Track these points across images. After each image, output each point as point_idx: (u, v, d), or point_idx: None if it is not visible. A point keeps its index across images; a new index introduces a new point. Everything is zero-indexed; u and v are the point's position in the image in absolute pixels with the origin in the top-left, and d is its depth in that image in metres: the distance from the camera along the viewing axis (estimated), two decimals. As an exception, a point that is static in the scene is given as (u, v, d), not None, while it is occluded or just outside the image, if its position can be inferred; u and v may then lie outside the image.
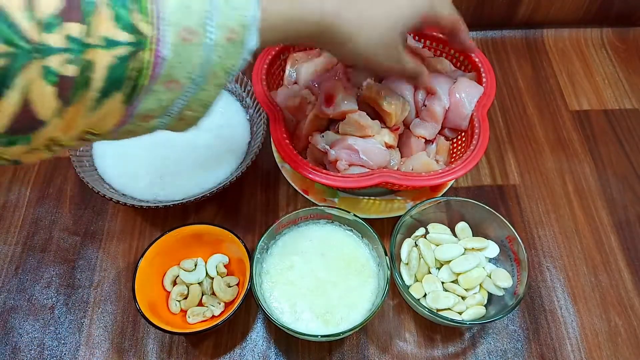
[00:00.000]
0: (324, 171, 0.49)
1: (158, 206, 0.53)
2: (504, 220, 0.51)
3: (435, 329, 0.53)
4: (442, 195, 0.58)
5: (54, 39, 0.24)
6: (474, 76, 0.56)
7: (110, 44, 0.25)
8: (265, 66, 0.56)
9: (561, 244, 0.58)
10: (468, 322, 0.47)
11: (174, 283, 0.53)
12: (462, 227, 0.54)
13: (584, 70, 0.74)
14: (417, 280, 0.52)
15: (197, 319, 0.50)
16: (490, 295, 0.51)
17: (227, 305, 0.51)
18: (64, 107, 0.25)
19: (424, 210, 0.53)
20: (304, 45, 0.52)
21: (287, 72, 0.59)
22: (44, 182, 0.62)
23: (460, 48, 0.52)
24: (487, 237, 0.53)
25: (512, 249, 0.50)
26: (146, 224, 0.59)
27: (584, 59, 0.76)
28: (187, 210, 0.60)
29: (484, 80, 0.55)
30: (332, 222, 0.52)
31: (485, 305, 0.50)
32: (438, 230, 0.54)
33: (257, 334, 0.52)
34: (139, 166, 0.58)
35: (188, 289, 0.52)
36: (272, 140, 0.55)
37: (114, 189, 0.57)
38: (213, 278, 0.52)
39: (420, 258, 0.52)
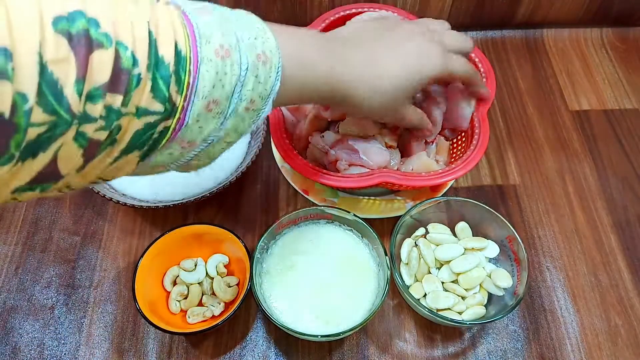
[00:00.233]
0: (324, 171, 0.49)
1: (158, 206, 0.53)
2: (504, 220, 0.51)
3: (435, 329, 0.53)
4: (442, 195, 0.58)
5: (94, 109, 0.24)
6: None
7: (143, 112, 0.26)
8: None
9: (561, 243, 0.58)
10: (468, 322, 0.47)
11: (174, 283, 0.53)
12: (462, 227, 0.54)
13: (584, 70, 0.74)
14: (417, 280, 0.52)
15: (197, 319, 0.50)
16: (490, 295, 0.51)
17: (227, 305, 0.51)
18: (86, 164, 0.26)
19: (424, 210, 0.53)
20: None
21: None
22: (44, 182, 0.62)
23: (476, 96, 0.53)
24: (487, 237, 0.53)
25: (512, 249, 0.50)
26: (146, 224, 0.59)
27: (584, 59, 0.76)
28: (187, 210, 0.60)
29: (483, 80, 0.55)
30: (332, 222, 0.52)
31: (485, 305, 0.50)
32: (438, 230, 0.54)
33: (257, 334, 0.52)
34: (139, 166, 0.58)
35: (188, 289, 0.52)
36: (272, 140, 0.55)
37: (114, 188, 0.57)
38: (213, 278, 0.52)
39: (420, 258, 0.52)
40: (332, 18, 0.60)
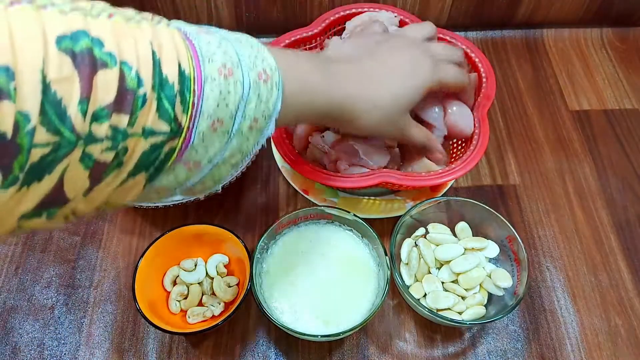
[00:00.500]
0: (324, 171, 0.49)
1: (158, 206, 0.53)
2: (504, 220, 0.51)
3: (435, 329, 0.53)
4: (442, 195, 0.58)
5: (100, 130, 0.24)
6: (474, 77, 0.56)
7: (150, 133, 0.26)
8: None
9: (561, 243, 0.58)
10: (468, 322, 0.47)
11: (174, 283, 0.53)
12: (462, 227, 0.54)
13: (584, 70, 0.74)
14: (417, 280, 0.52)
15: (197, 319, 0.50)
16: (490, 295, 0.51)
17: (227, 305, 0.51)
18: (92, 187, 0.26)
19: (424, 210, 0.53)
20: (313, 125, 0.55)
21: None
22: (44, 182, 0.62)
23: (468, 104, 0.54)
24: (487, 237, 0.53)
25: (512, 249, 0.50)
26: (146, 224, 0.59)
27: (583, 59, 0.76)
28: (187, 210, 0.60)
29: (484, 80, 0.55)
30: (332, 222, 0.52)
31: (485, 305, 0.50)
32: (438, 230, 0.54)
33: (257, 334, 0.52)
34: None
35: (188, 289, 0.52)
36: (272, 140, 0.55)
37: (114, 189, 0.57)
38: (213, 278, 0.52)
39: (420, 258, 0.52)
40: (332, 18, 0.60)
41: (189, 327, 0.49)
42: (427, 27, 0.50)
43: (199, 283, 0.52)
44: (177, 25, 0.29)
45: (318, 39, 0.61)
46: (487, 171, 0.64)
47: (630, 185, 0.63)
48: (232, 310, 0.47)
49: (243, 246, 0.50)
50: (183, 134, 0.27)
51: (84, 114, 0.23)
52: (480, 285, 0.50)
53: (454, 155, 0.56)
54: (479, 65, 0.56)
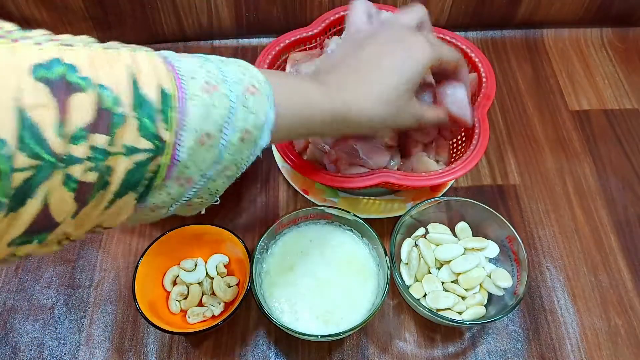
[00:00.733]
0: (324, 171, 0.49)
1: (158, 206, 0.53)
2: (504, 220, 0.51)
3: (435, 329, 0.53)
4: (442, 195, 0.58)
5: (79, 150, 0.24)
6: (474, 77, 0.56)
7: (131, 151, 0.26)
8: (266, 66, 0.56)
9: (561, 244, 0.58)
10: (468, 322, 0.47)
11: (174, 283, 0.53)
12: (462, 227, 0.54)
13: (584, 70, 0.74)
14: (417, 280, 0.52)
15: (197, 319, 0.50)
16: (490, 295, 0.51)
17: (227, 305, 0.51)
18: (80, 209, 0.26)
19: (424, 210, 0.53)
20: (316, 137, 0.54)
21: (287, 71, 0.59)
22: (44, 182, 0.62)
23: (465, 82, 0.51)
24: (487, 237, 0.53)
25: (512, 249, 0.50)
26: (146, 224, 0.59)
27: (583, 59, 0.76)
28: (187, 210, 0.60)
29: (483, 80, 0.55)
30: (332, 222, 0.52)
31: (485, 305, 0.50)
32: (438, 230, 0.54)
33: (257, 334, 0.52)
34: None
35: (188, 289, 0.52)
36: (272, 140, 0.55)
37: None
38: (213, 278, 0.52)
39: (420, 258, 0.52)
40: (332, 18, 0.60)
41: (189, 327, 0.49)
42: (418, 11, 0.48)
43: (199, 283, 0.52)
44: (159, 53, 0.30)
45: (318, 39, 0.61)
46: (487, 171, 0.64)
47: (630, 185, 0.63)
48: (232, 310, 0.47)
49: (243, 246, 0.50)
50: (168, 151, 0.27)
51: (62, 136, 0.23)
52: (480, 285, 0.50)
53: (454, 155, 0.56)
54: (479, 65, 0.56)
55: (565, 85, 0.73)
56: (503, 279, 0.49)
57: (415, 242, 0.53)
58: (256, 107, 0.31)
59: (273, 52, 0.57)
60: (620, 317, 0.54)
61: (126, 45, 0.29)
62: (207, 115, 0.29)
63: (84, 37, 0.28)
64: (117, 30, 0.72)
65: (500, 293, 0.49)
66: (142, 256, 0.49)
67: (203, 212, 0.36)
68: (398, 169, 0.53)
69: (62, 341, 0.52)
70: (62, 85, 0.23)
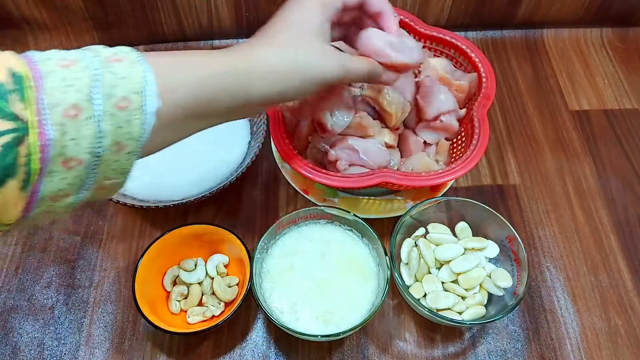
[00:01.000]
0: (324, 171, 0.49)
1: (158, 206, 0.53)
2: (504, 220, 0.51)
3: (435, 329, 0.53)
4: (442, 195, 0.58)
5: None
6: (474, 76, 0.56)
7: None
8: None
9: (561, 243, 0.58)
10: (468, 322, 0.47)
11: (174, 283, 0.53)
12: (462, 227, 0.54)
13: (584, 70, 0.74)
14: (417, 280, 0.52)
15: (197, 319, 0.50)
16: (490, 295, 0.51)
17: (227, 305, 0.51)
18: None
19: (424, 210, 0.53)
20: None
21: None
22: (44, 182, 0.62)
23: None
24: (487, 237, 0.53)
25: (512, 249, 0.50)
26: (146, 224, 0.59)
27: (583, 59, 0.76)
28: (187, 210, 0.60)
29: (483, 80, 0.55)
30: (332, 222, 0.52)
31: (485, 305, 0.50)
32: (438, 230, 0.54)
33: (257, 334, 0.52)
34: (139, 166, 0.57)
35: (188, 289, 0.52)
36: (272, 140, 0.55)
37: (114, 189, 0.57)
38: (213, 278, 0.52)
39: (420, 258, 0.52)
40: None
41: (189, 327, 0.49)
42: None
43: (199, 283, 0.52)
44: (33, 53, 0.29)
45: (318, 39, 0.61)
46: (487, 171, 0.64)
47: (630, 185, 0.63)
48: (232, 310, 0.47)
49: (243, 246, 0.50)
50: (34, 130, 0.26)
51: None
52: (480, 285, 0.50)
53: (454, 155, 0.56)
54: (479, 65, 0.56)
55: (565, 85, 0.73)
56: (503, 279, 0.49)
57: (415, 242, 0.53)
58: (127, 72, 0.30)
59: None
60: (620, 317, 0.54)
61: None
62: (67, 87, 0.27)
63: None
64: (117, 30, 0.72)
65: (500, 293, 0.49)
66: (142, 256, 0.49)
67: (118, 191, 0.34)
68: (398, 169, 0.53)
69: (62, 341, 0.52)
70: None
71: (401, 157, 0.55)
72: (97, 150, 0.29)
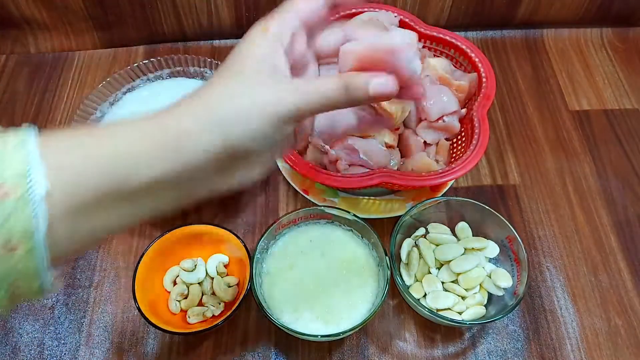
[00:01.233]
0: (324, 171, 0.49)
1: (158, 206, 0.53)
2: (504, 220, 0.51)
3: (435, 329, 0.53)
4: (442, 195, 0.58)
5: None
6: (474, 76, 0.56)
7: None
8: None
9: (561, 244, 0.58)
10: (468, 322, 0.47)
11: (174, 283, 0.53)
12: (462, 227, 0.54)
13: (584, 70, 0.74)
14: (417, 280, 0.52)
15: (197, 319, 0.50)
16: (490, 295, 0.51)
17: (227, 305, 0.51)
18: None
19: (424, 210, 0.53)
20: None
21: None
22: (44, 182, 0.62)
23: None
24: (487, 237, 0.53)
25: (512, 249, 0.50)
26: (146, 224, 0.59)
27: (583, 59, 0.76)
28: (187, 210, 0.60)
29: (483, 80, 0.55)
30: (332, 222, 0.52)
31: (485, 305, 0.50)
32: (438, 230, 0.54)
33: (257, 334, 0.52)
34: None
35: (188, 289, 0.52)
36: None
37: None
38: (213, 278, 0.52)
39: (420, 258, 0.52)
40: (332, 18, 0.60)
41: (189, 327, 0.49)
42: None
43: (199, 283, 0.52)
44: None
45: (318, 39, 0.61)
46: (487, 171, 0.64)
47: (630, 185, 0.63)
48: (232, 310, 0.47)
49: (243, 246, 0.50)
50: None
51: None
52: (480, 285, 0.50)
53: (454, 155, 0.56)
54: (479, 65, 0.56)
55: (565, 85, 0.73)
56: (503, 279, 0.49)
57: (415, 242, 0.53)
58: (7, 156, 0.24)
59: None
60: (620, 317, 0.54)
61: None
62: None
63: None
64: (117, 30, 0.72)
65: (500, 293, 0.49)
66: (142, 256, 0.49)
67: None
68: (398, 169, 0.53)
69: (62, 341, 0.52)
70: None
71: (401, 157, 0.55)
72: None
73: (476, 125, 0.52)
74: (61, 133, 0.27)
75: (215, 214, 0.60)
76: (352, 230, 0.52)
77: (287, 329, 0.45)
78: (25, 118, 0.67)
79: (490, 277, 0.50)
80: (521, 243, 0.49)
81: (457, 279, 0.51)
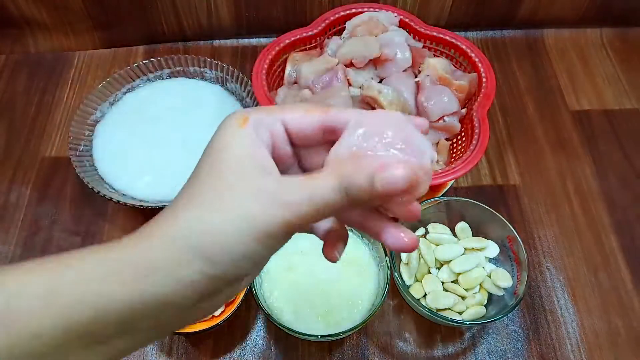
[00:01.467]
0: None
1: (158, 206, 0.53)
2: (504, 220, 0.51)
3: (435, 329, 0.53)
4: (442, 195, 0.58)
5: None
6: (474, 76, 0.56)
7: None
8: (266, 66, 0.56)
9: (561, 244, 0.58)
10: (468, 322, 0.47)
11: (174, 283, 0.52)
12: (462, 227, 0.54)
13: (584, 70, 0.74)
14: (417, 280, 0.52)
15: (197, 319, 0.50)
16: (490, 295, 0.51)
17: (227, 305, 0.51)
18: None
19: (424, 210, 0.53)
20: None
21: (287, 71, 0.59)
22: (44, 183, 0.62)
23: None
24: (487, 237, 0.53)
25: (512, 249, 0.50)
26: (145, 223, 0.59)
27: (584, 59, 0.76)
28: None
29: (483, 80, 0.55)
30: (332, 222, 0.52)
31: (485, 305, 0.50)
32: (438, 230, 0.54)
33: (257, 334, 0.52)
34: (139, 166, 0.58)
35: (188, 289, 0.52)
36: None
37: (114, 189, 0.57)
38: (213, 278, 0.52)
39: (420, 258, 0.52)
40: (332, 18, 0.60)
41: (189, 327, 0.49)
42: None
43: (199, 283, 0.52)
44: None
45: (318, 39, 0.61)
46: (487, 171, 0.64)
47: (631, 185, 0.63)
48: (232, 310, 0.47)
49: (243, 246, 0.50)
50: None
51: None
52: (480, 285, 0.50)
53: (454, 155, 0.56)
54: (479, 65, 0.56)
55: (565, 85, 0.73)
56: (503, 279, 0.49)
57: (415, 242, 0.53)
58: None
59: (273, 52, 0.57)
60: (620, 318, 0.54)
61: None
62: None
63: None
64: (117, 30, 0.72)
65: (500, 293, 0.49)
66: (142, 256, 0.49)
67: None
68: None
69: (62, 341, 0.52)
70: None
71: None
72: None
73: (476, 125, 0.52)
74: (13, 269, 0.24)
75: (215, 214, 0.60)
76: (352, 230, 0.52)
77: (287, 329, 0.45)
78: (25, 118, 0.67)
79: (490, 277, 0.50)
80: (521, 243, 0.49)
81: (457, 279, 0.51)
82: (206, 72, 0.66)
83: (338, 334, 0.45)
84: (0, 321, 0.21)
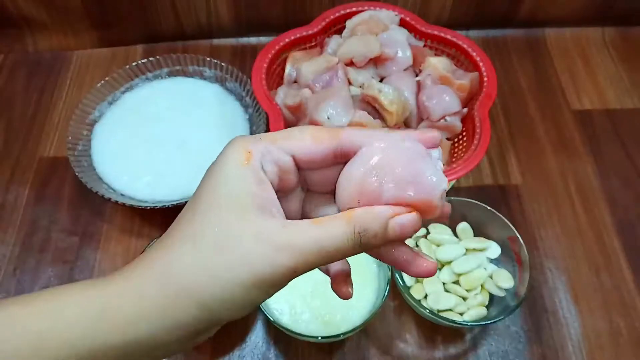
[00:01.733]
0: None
1: (157, 206, 0.53)
2: (506, 220, 0.50)
3: (436, 330, 0.52)
4: (443, 195, 0.58)
5: None
6: (475, 76, 0.56)
7: None
8: (265, 65, 0.56)
9: (563, 244, 0.58)
10: (469, 323, 0.47)
11: (173, 284, 0.52)
12: (463, 227, 0.53)
13: (586, 70, 0.74)
14: (417, 281, 0.51)
15: (196, 320, 0.50)
16: (491, 296, 0.50)
17: (227, 306, 0.51)
18: None
19: (424, 211, 0.53)
20: None
21: (287, 71, 0.59)
22: (42, 183, 0.62)
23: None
24: (488, 237, 0.52)
25: (513, 250, 0.50)
26: (145, 224, 0.59)
27: (585, 58, 0.75)
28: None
29: (485, 79, 0.55)
30: (332, 222, 0.52)
31: (487, 306, 0.50)
32: (439, 231, 0.53)
33: (257, 335, 0.52)
34: (138, 166, 0.58)
35: (187, 289, 0.51)
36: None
37: (112, 189, 0.56)
38: (212, 279, 0.52)
39: (421, 259, 0.51)
40: (332, 17, 0.60)
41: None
42: None
43: (198, 284, 0.52)
44: None
45: (318, 38, 0.61)
46: (488, 171, 0.64)
47: (633, 185, 0.63)
48: (231, 311, 0.47)
49: (242, 247, 0.49)
50: None
51: None
52: (481, 286, 0.50)
53: (455, 154, 0.56)
54: (480, 64, 0.56)
55: (567, 84, 0.72)
56: (504, 280, 0.49)
57: (416, 243, 0.53)
58: None
59: (273, 51, 0.57)
60: (622, 319, 0.53)
61: None
62: None
63: None
64: (116, 30, 0.72)
65: (502, 294, 0.49)
66: (140, 257, 0.49)
67: None
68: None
69: (61, 342, 0.51)
70: None
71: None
72: None
73: (477, 124, 0.52)
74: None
75: (215, 214, 0.59)
76: (352, 230, 0.52)
77: (288, 330, 0.44)
78: (23, 118, 0.67)
79: (491, 278, 0.50)
80: (523, 243, 0.49)
81: (458, 280, 0.50)
82: (205, 71, 0.65)
83: (338, 335, 0.44)
84: None
